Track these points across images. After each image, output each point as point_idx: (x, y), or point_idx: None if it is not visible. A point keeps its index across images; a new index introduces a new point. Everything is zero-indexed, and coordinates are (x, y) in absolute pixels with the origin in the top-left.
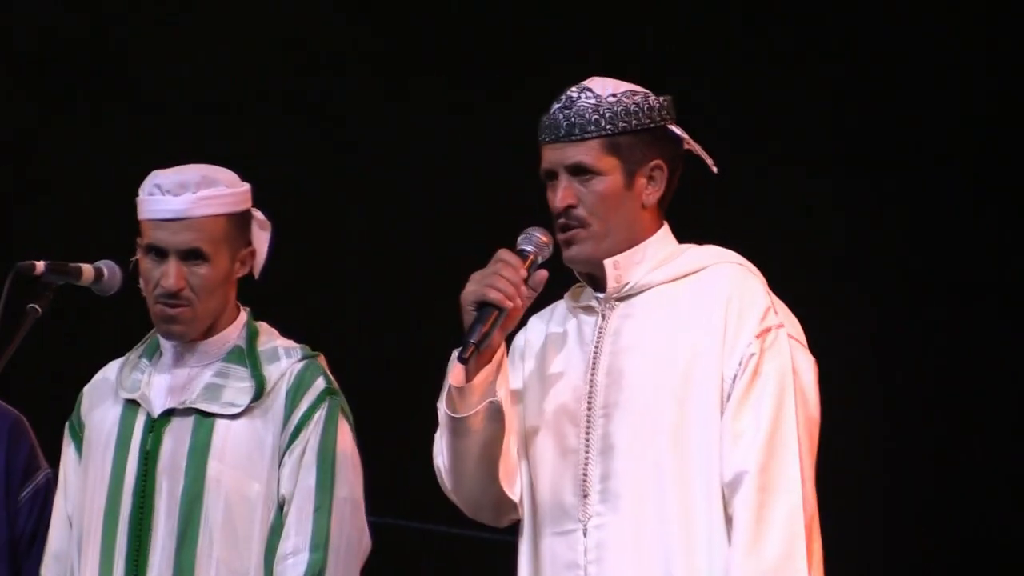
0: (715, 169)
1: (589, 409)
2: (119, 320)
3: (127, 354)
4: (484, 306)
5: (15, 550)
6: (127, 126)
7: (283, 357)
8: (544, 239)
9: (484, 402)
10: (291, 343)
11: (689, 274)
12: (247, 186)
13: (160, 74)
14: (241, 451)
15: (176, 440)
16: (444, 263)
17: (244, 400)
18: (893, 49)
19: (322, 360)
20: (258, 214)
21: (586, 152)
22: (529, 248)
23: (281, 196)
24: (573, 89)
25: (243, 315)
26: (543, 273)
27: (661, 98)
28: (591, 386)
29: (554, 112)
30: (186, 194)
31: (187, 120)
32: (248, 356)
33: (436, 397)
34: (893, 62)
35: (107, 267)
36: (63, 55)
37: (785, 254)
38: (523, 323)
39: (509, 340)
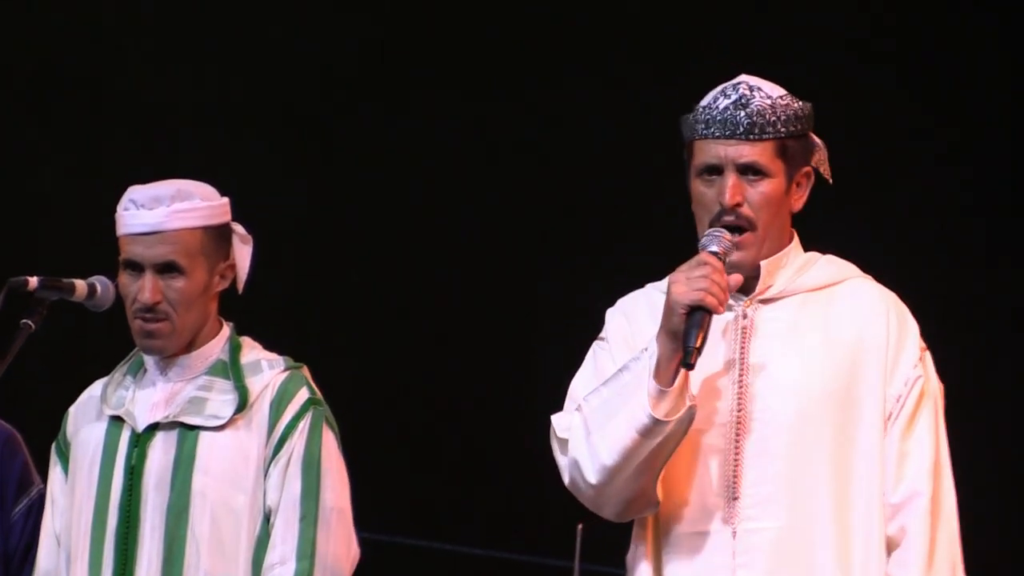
0: (831, 181)
1: (740, 410)
2: (113, 336)
3: (112, 372)
4: (696, 310)
5: (8, 565)
6: (120, 143)
7: (266, 369)
8: (729, 238)
9: (685, 406)
10: (274, 355)
11: (831, 285)
12: (225, 200)
13: (155, 91)
14: (226, 463)
15: (161, 454)
16: (433, 278)
17: (228, 412)
18: None
19: (305, 371)
20: (239, 228)
21: (761, 152)
22: (717, 249)
23: (273, 210)
24: (741, 86)
25: (226, 329)
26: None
27: (809, 105)
28: (740, 387)
29: (726, 108)
30: (160, 208)
31: (180, 136)
32: (231, 369)
33: (419, 409)
34: None
35: (100, 283)
36: (59, 73)
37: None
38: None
39: (589, 328)
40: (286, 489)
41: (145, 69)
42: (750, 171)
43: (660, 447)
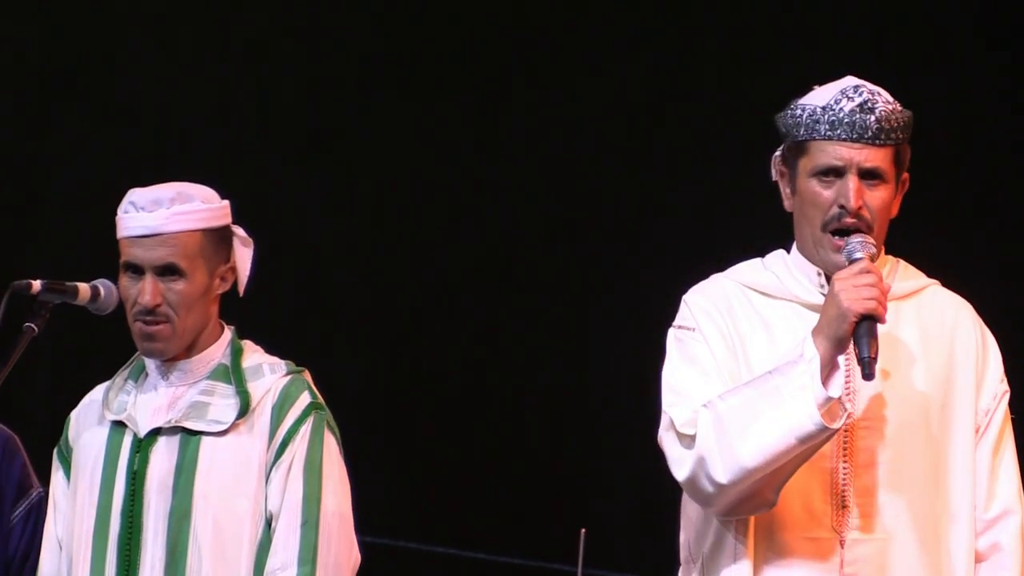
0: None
1: (848, 418)
2: (116, 339)
3: (113, 377)
4: (865, 319)
5: (8, 569)
6: (125, 147)
7: (268, 373)
8: (872, 242)
9: (846, 413)
10: (276, 359)
11: (916, 292)
12: (225, 203)
13: (158, 94)
14: (228, 468)
15: (163, 459)
16: (436, 281)
17: (230, 417)
18: None
19: (307, 375)
20: (239, 231)
21: (883, 158)
22: (863, 254)
23: (273, 214)
24: (863, 91)
25: (227, 333)
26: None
27: None
28: (847, 394)
29: (853, 111)
30: (159, 210)
31: (185, 141)
32: (233, 373)
33: (422, 416)
34: None
35: (103, 286)
36: (63, 76)
37: None
38: (675, 294)
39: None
40: (288, 494)
41: (150, 75)
42: (871, 176)
43: (810, 452)
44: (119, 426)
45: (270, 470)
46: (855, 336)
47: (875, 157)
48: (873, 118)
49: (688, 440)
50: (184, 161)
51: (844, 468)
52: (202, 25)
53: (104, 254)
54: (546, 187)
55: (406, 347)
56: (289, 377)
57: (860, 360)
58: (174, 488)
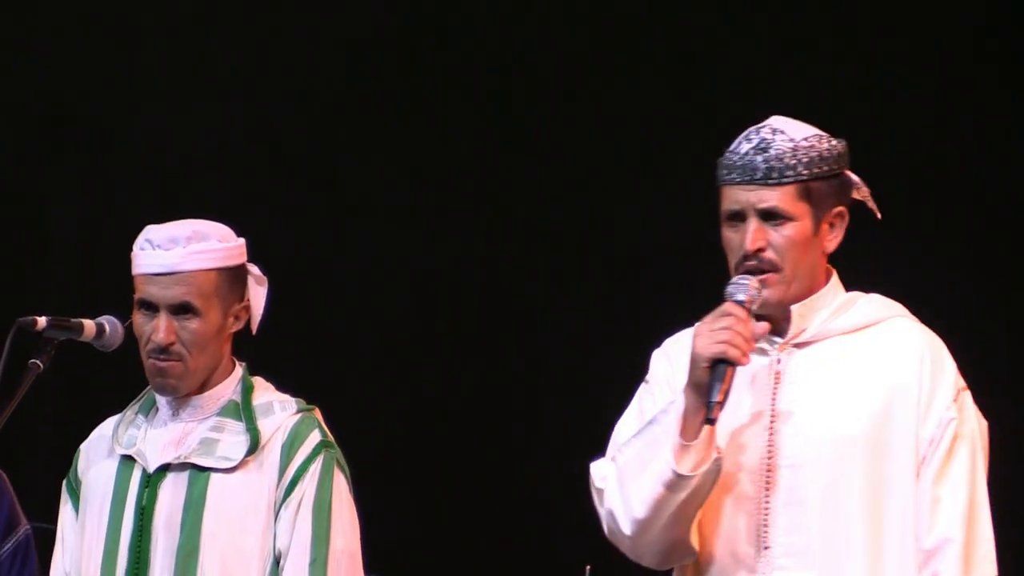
0: (879, 215)
1: (770, 458)
2: (121, 376)
3: (124, 410)
4: (719, 363)
5: None
6: (131, 184)
7: (278, 411)
8: (756, 286)
9: (711, 459)
10: (286, 397)
11: (868, 326)
12: (241, 241)
13: (164, 131)
14: (237, 505)
15: (172, 495)
16: (439, 319)
17: (239, 454)
18: None
19: (317, 413)
20: (254, 269)
21: (781, 197)
22: (744, 297)
23: (279, 251)
24: (764, 130)
25: (238, 370)
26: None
27: (843, 142)
28: (771, 434)
29: (748, 153)
30: (176, 248)
31: (190, 177)
32: (243, 410)
33: (428, 452)
34: None
35: (108, 323)
36: (70, 114)
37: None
38: (639, 348)
39: (634, 368)
40: (297, 533)
41: (155, 111)
42: (772, 216)
43: (688, 500)
44: (128, 460)
45: (279, 509)
46: (708, 380)
47: (771, 197)
48: (762, 158)
49: (599, 494)
50: (189, 198)
51: (766, 508)
52: (206, 61)
53: (109, 291)
54: (557, 219)
55: (415, 384)
56: (299, 415)
57: (706, 404)
58: (182, 525)
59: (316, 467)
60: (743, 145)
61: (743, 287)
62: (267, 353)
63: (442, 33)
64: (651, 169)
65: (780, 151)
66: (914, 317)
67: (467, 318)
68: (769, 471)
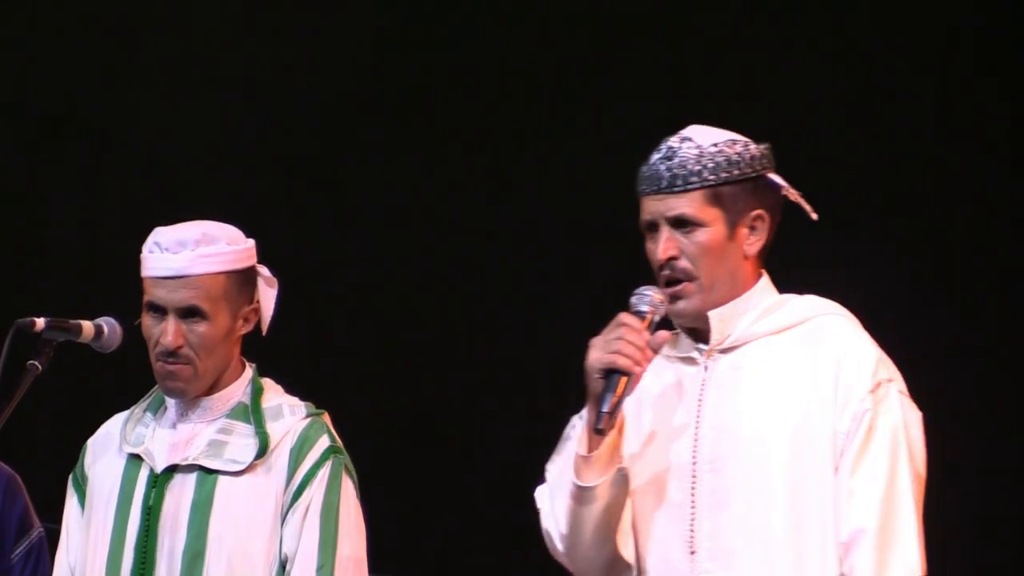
0: (815, 216)
1: (695, 463)
2: (121, 377)
3: (132, 408)
4: (611, 373)
5: None
6: (130, 184)
7: (287, 415)
8: (659, 297)
9: (612, 470)
10: (296, 400)
11: (794, 326)
12: (250, 243)
13: (164, 132)
14: (244, 509)
15: (178, 496)
16: (448, 324)
17: (248, 457)
18: None
19: (327, 418)
20: (264, 271)
21: (688, 203)
22: (645, 308)
23: (285, 253)
24: (674, 139)
25: (248, 371)
26: (664, 334)
27: (761, 146)
28: (696, 440)
29: (655, 163)
30: (184, 252)
31: (191, 178)
32: (252, 413)
33: (434, 458)
34: None
35: (107, 324)
36: (70, 115)
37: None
38: None
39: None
40: (304, 538)
41: (156, 111)
42: (682, 223)
43: (599, 512)
44: (136, 459)
45: (286, 513)
46: (601, 390)
47: (678, 204)
48: (665, 167)
49: (540, 516)
50: (189, 198)
51: (692, 513)
52: (206, 61)
53: (109, 292)
54: (558, 232)
55: (418, 385)
56: (308, 420)
57: (596, 414)
58: (188, 526)
59: (324, 472)
60: (654, 155)
61: (645, 298)
62: (268, 354)
63: (443, 33)
64: None
65: (684, 158)
66: (846, 314)
67: (468, 318)
68: (694, 476)
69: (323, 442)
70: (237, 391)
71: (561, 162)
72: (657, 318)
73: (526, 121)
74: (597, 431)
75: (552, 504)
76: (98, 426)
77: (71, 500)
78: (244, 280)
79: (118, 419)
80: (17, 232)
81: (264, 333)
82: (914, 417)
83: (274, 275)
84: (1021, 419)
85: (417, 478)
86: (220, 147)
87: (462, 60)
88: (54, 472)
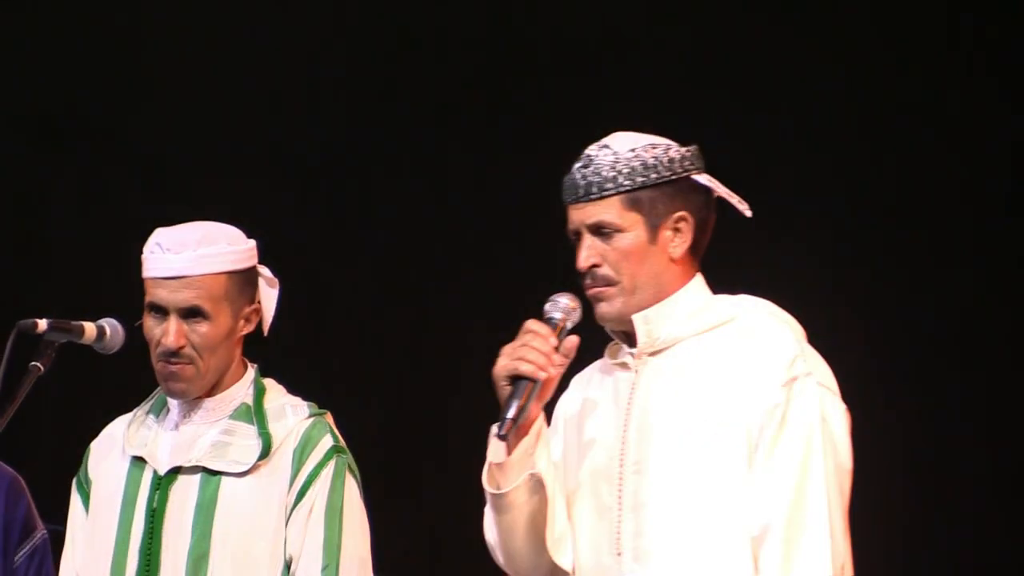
0: (748, 213)
1: (621, 466)
2: (123, 378)
3: (135, 410)
4: (517, 380)
5: None
6: (132, 185)
7: (290, 415)
8: (571, 304)
9: (523, 475)
10: (299, 400)
11: (719, 325)
12: (252, 243)
13: (165, 133)
14: (248, 509)
15: (182, 498)
16: (448, 325)
17: (251, 458)
18: None
19: (329, 418)
20: (265, 271)
21: (606, 210)
22: (557, 315)
23: (285, 254)
24: (593, 147)
25: (250, 372)
26: (574, 339)
27: (685, 148)
28: (623, 443)
29: (574, 172)
30: (186, 252)
31: (192, 179)
32: (255, 414)
33: (436, 458)
34: None
35: (109, 325)
36: (71, 115)
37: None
38: (565, 386)
39: (552, 405)
40: (308, 538)
41: (156, 112)
42: (601, 230)
43: (524, 520)
44: (139, 461)
45: (290, 513)
46: (507, 397)
47: (595, 211)
48: (581, 175)
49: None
50: (190, 199)
51: (618, 515)
52: (207, 61)
53: (110, 293)
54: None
55: (420, 387)
56: (311, 420)
57: (500, 420)
58: (193, 528)
59: (328, 472)
60: (575, 165)
61: (558, 304)
62: (269, 354)
63: (443, 35)
64: None
65: (600, 166)
66: (773, 311)
67: (473, 320)
68: (620, 479)
69: (326, 442)
70: (239, 392)
71: (569, 157)
72: (570, 324)
73: (538, 125)
74: (500, 437)
75: (486, 516)
76: (100, 428)
77: (75, 503)
78: (245, 280)
79: (121, 422)
80: (19, 233)
81: (265, 334)
82: (836, 411)
83: (275, 276)
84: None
85: (419, 478)
86: (221, 148)
87: (463, 60)
88: (56, 474)
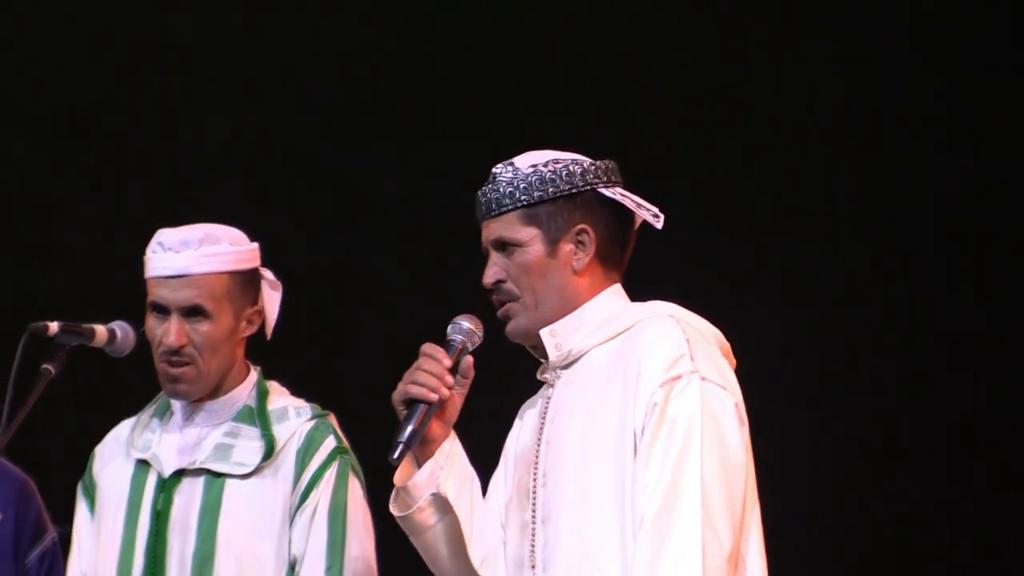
0: (659, 225)
1: (534, 480)
2: (133, 381)
3: (139, 414)
4: (411, 403)
5: None
6: (143, 187)
7: (293, 416)
8: (471, 326)
9: (425, 496)
10: (301, 402)
11: (621, 332)
12: (254, 245)
13: (174, 135)
14: (252, 511)
15: (187, 500)
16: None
17: (254, 460)
18: None
19: (333, 419)
20: (268, 274)
21: (506, 226)
22: (458, 337)
23: (292, 256)
24: (499, 165)
25: (253, 374)
26: (470, 359)
27: (590, 162)
28: (536, 457)
29: (480, 191)
30: (187, 251)
31: (201, 181)
32: (258, 416)
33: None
34: None
35: (120, 328)
36: (80, 117)
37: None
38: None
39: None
40: (312, 539)
41: (166, 115)
42: (502, 246)
43: (432, 538)
44: (144, 464)
45: (294, 514)
46: (402, 420)
47: (496, 228)
48: (481, 194)
49: None
50: (200, 202)
51: (532, 529)
52: (217, 67)
53: (121, 296)
54: None
55: None
56: (314, 421)
57: (392, 443)
58: (198, 530)
59: (331, 473)
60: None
61: (457, 327)
62: (271, 355)
63: (444, 36)
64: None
65: (499, 183)
66: (672, 312)
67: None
68: (534, 493)
69: (329, 443)
70: (242, 394)
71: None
72: (470, 346)
73: (537, 123)
74: (393, 461)
75: None
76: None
77: (81, 507)
78: (247, 281)
79: (125, 425)
80: (29, 235)
81: (268, 336)
82: (723, 405)
83: (278, 279)
84: None
85: None
86: (230, 150)
87: (464, 61)
88: (67, 477)
